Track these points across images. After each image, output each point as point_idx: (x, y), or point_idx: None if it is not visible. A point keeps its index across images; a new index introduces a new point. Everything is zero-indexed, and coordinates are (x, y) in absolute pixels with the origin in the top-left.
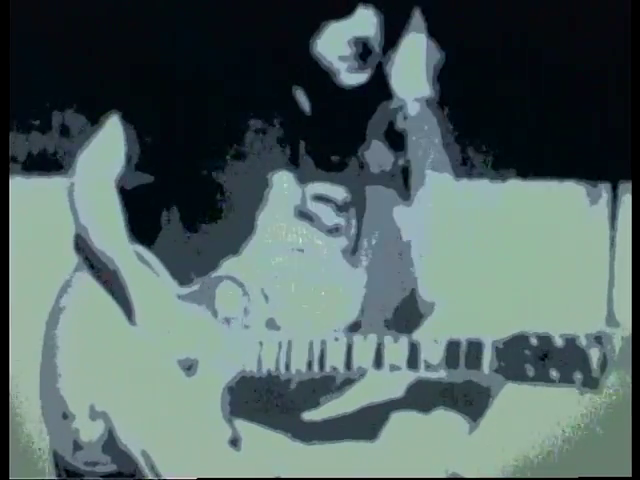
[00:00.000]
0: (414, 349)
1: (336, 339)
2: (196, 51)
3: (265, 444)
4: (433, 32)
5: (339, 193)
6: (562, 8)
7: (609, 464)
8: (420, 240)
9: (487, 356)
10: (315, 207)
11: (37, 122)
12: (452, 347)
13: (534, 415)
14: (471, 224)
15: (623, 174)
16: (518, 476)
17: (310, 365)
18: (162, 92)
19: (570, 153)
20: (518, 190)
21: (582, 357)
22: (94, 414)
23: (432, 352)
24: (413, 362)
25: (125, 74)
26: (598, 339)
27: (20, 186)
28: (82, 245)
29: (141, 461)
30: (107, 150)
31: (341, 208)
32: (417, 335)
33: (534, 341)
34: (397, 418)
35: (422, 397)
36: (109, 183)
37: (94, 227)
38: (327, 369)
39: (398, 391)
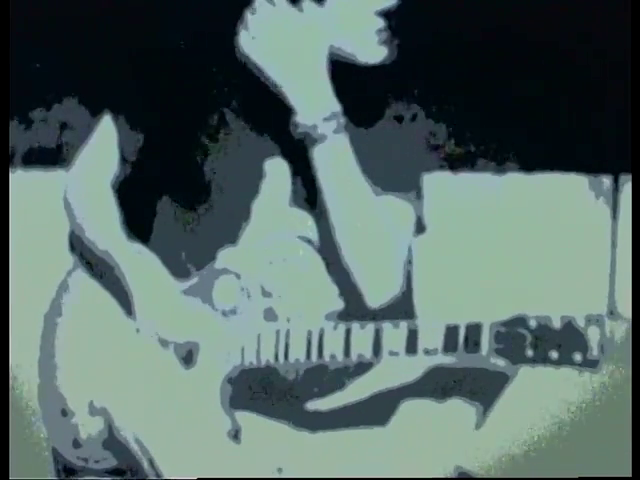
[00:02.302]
0: (412, 334)
1: (334, 327)
2: (190, 41)
3: (267, 435)
4: (435, 26)
5: None
6: (563, 1)
7: (609, 463)
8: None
9: (485, 339)
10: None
11: (37, 115)
12: (451, 331)
13: (541, 403)
14: (474, 214)
15: (624, 166)
16: (519, 472)
17: (309, 354)
18: (153, 83)
19: (572, 146)
20: (520, 180)
21: (581, 337)
22: (93, 410)
23: (431, 337)
24: (412, 347)
25: (119, 68)
26: (596, 320)
27: (20, 179)
28: (77, 244)
29: (141, 456)
30: (101, 150)
31: None
32: (415, 320)
33: (533, 323)
34: (407, 406)
35: (433, 384)
36: (104, 182)
37: (90, 224)
38: (326, 358)
39: (408, 378)
